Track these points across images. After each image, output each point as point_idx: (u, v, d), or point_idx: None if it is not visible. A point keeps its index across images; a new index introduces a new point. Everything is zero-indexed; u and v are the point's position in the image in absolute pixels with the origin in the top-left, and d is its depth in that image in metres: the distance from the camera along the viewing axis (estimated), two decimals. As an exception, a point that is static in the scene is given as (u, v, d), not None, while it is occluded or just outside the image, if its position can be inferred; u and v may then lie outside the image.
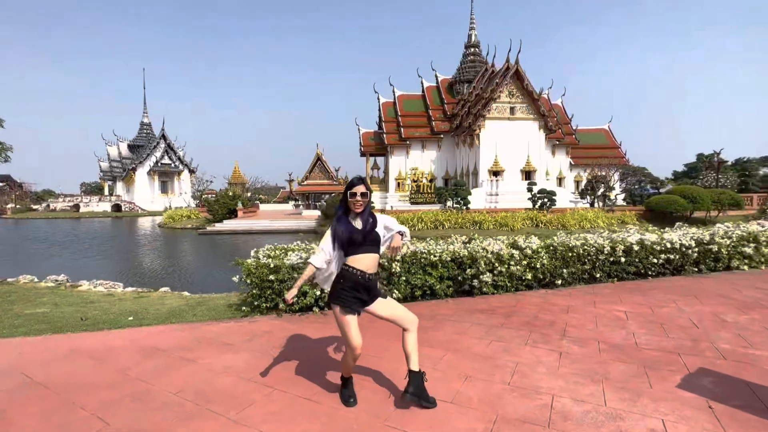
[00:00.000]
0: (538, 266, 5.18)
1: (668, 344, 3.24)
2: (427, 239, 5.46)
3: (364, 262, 2.31)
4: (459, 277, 4.98)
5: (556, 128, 36.36)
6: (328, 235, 2.38)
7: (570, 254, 5.44)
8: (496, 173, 33.41)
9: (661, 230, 6.66)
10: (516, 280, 5.18)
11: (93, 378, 2.83)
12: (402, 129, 38.21)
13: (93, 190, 74.89)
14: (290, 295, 2.31)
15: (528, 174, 34.02)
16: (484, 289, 5.00)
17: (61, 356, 3.26)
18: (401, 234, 2.46)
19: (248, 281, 4.35)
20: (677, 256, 5.91)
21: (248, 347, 3.38)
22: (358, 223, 2.36)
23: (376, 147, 40.66)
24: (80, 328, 4.00)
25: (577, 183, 40.68)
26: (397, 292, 4.67)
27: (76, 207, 54.64)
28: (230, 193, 30.74)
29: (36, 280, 6.96)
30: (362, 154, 41.52)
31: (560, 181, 40.62)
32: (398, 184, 38.53)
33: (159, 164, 57.40)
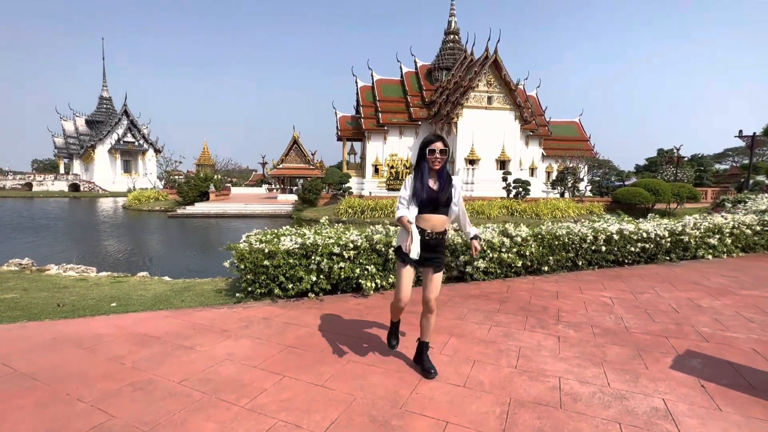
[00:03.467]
0: (527, 254, 5.33)
1: (655, 328, 3.43)
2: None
3: (432, 223, 2.38)
4: (452, 264, 5.05)
5: (531, 119, 37.21)
6: (407, 190, 2.39)
7: (556, 242, 5.62)
8: (472, 162, 33.91)
9: (635, 221, 7.02)
10: (506, 267, 5.31)
11: (85, 368, 2.66)
12: (380, 114, 37.82)
13: (47, 167, 69.86)
14: (414, 244, 2.24)
15: (503, 163, 34.77)
16: (476, 275, 5.11)
17: (44, 345, 3.04)
18: (477, 238, 2.54)
19: (241, 266, 4.21)
20: (652, 246, 6.26)
21: (247, 334, 3.28)
22: (433, 184, 2.38)
23: (353, 132, 40.10)
24: (59, 315, 3.74)
25: (548, 173, 42.01)
26: (392, 277, 4.67)
27: (29, 186, 50.80)
28: (201, 175, 29.51)
29: (-4, 263, 6.44)
30: (339, 139, 40.85)
31: (533, 171, 41.83)
32: (375, 169, 38.33)
33: (121, 142, 54.12)
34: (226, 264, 4.41)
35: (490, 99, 34.34)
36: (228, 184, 43.55)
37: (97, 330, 3.35)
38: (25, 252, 9.36)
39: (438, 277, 2.47)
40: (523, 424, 2.05)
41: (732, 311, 3.89)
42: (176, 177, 37.37)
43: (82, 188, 50.90)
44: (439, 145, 2.35)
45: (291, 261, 4.23)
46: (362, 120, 38.25)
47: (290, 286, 4.22)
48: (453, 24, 43.19)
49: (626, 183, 33.53)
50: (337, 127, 40.87)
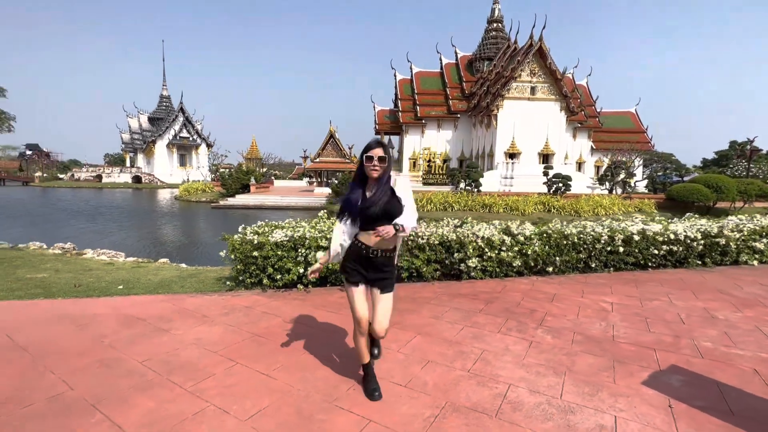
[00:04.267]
0: (529, 253, 5.06)
1: (646, 339, 3.13)
2: (421, 222, 5.40)
3: (374, 239, 2.06)
4: (446, 261, 4.92)
5: (579, 110, 34.99)
6: (341, 202, 2.21)
7: (564, 242, 5.28)
8: (512, 156, 32.60)
9: (668, 220, 6.41)
10: (506, 266, 5.08)
11: (70, 344, 2.94)
12: (418, 107, 37.45)
13: (116, 161, 76.98)
14: (315, 268, 2.35)
15: (546, 157, 33.11)
16: (473, 273, 4.94)
17: (46, 321, 3.40)
18: (396, 227, 1.98)
19: (233, 256, 4.40)
20: (681, 248, 5.68)
21: (224, 321, 3.44)
22: (370, 195, 2.10)
23: (391, 125, 40.11)
24: (71, 294, 4.16)
25: (598, 168, 39.43)
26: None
27: (99, 177, 56.36)
28: (244, 168, 31.04)
29: (44, 246, 7.26)
30: (377, 133, 41.04)
31: (580, 165, 39.44)
32: (412, 163, 38.13)
33: (177, 137, 58.23)
34: (222, 254, 4.63)
35: (533, 89, 32.70)
36: (272, 177, 45.48)
37: (95, 310, 3.68)
38: (77, 236, 10.45)
39: (388, 300, 2.19)
40: (447, 430, 1.98)
41: (751, 325, 3.44)
42: (223, 170, 39.62)
43: (143, 180, 55.58)
44: (378, 152, 2.06)
45: (279, 253, 4.35)
46: (400, 113, 38.10)
47: (278, 276, 4.35)
48: (497, 11, 41.50)
49: (685, 179, 30.58)
50: (375, 120, 41.10)
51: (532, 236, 5.18)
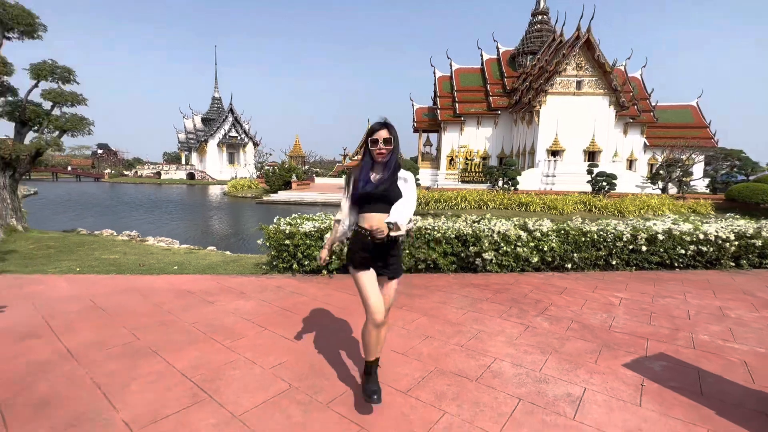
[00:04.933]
0: (545, 249, 5.20)
1: (643, 330, 3.26)
2: (442, 217, 5.71)
3: (374, 222, 2.00)
4: (462, 254, 5.19)
5: (630, 104, 33.00)
6: (347, 186, 2.16)
7: (583, 239, 5.35)
8: (554, 153, 31.46)
9: (704, 221, 6.22)
10: (522, 261, 5.26)
11: (136, 308, 3.62)
12: (457, 104, 37.12)
13: (172, 159, 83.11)
14: (322, 254, 2.25)
15: (592, 155, 31.62)
16: (488, 267, 5.18)
17: (118, 290, 4.14)
18: (390, 226, 1.89)
19: (267, 244, 4.99)
20: (711, 249, 5.52)
21: (258, 297, 4.00)
22: (375, 177, 2.07)
23: (430, 123, 40.07)
24: (137, 272, 4.94)
25: (651, 166, 37.00)
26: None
27: (158, 174, 61.36)
28: (286, 166, 32.54)
29: (114, 233, 8.38)
30: (415, 130, 41.23)
31: (631, 163, 37.25)
32: (450, 161, 37.90)
33: (227, 137, 61.94)
34: (259, 242, 5.23)
35: (579, 84, 31.31)
36: (313, 174, 47.16)
37: (156, 284, 4.39)
38: (140, 225, 11.79)
39: (393, 286, 2.16)
40: (431, 386, 2.33)
41: (762, 324, 3.44)
42: (268, 168, 41.73)
43: (196, 177, 59.79)
44: (383, 134, 2.01)
45: (308, 242, 4.87)
46: (438, 111, 37.96)
47: (306, 262, 4.87)
48: (542, 3, 40.02)
49: (751, 178, 27.93)
50: (413, 118, 41.25)
51: (549, 232, 5.31)
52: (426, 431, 1.93)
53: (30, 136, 7.13)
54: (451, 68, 39.49)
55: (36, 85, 6.84)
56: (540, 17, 39.54)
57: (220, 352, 2.74)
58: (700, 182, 33.46)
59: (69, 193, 31.61)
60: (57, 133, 7.13)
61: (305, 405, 2.13)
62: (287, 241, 4.87)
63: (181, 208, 21.67)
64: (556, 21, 37.42)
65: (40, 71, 6.63)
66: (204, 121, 67.35)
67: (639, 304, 3.94)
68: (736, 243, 5.54)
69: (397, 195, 2.03)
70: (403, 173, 2.10)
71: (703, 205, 19.97)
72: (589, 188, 23.24)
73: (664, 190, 26.52)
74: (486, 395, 2.25)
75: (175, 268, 5.20)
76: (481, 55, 39.83)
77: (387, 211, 2.00)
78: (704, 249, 5.50)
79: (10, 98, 6.80)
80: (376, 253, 2.07)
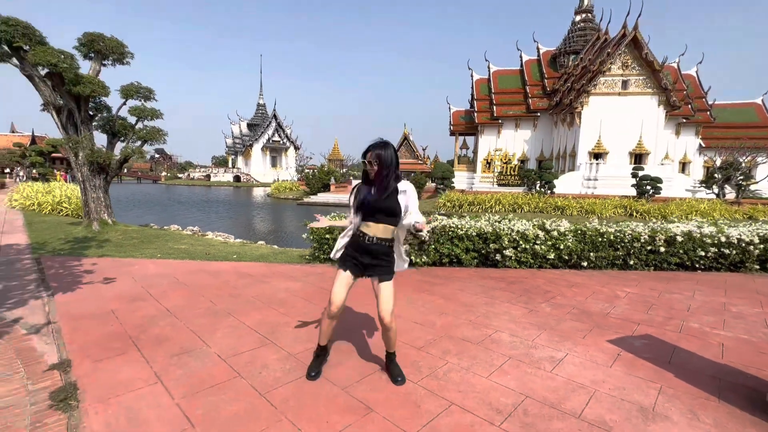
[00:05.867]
0: (562, 247, 5.59)
1: (638, 317, 3.66)
2: (466, 216, 6.25)
3: (373, 230, 2.28)
4: (483, 251, 5.71)
5: (683, 103, 31.23)
6: (352, 196, 2.39)
7: (600, 239, 5.68)
8: (597, 156, 30.48)
9: (733, 224, 6.28)
10: (540, 258, 5.69)
11: (209, 283, 4.53)
12: (494, 107, 36.90)
13: (221, 162, 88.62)
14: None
15: (638, 157, 30.30)
16: (508, 263, 5.66)
17: (193, 271, 5.10)
18: (416, 228, 2.20)
19: (311, 238, 5.80)
20: (734, 252, 5.64)
21: (304, 279, 4.79)
22: (372, 192, 2.27)
23: (467, 126, 40.07)
24: (204, 259, 5.94)
25: (707, 169, 34.60)
26: (426, 257, 5.64)
27: (208, 177, 65.83)
28: (325, 170, 33.99)
29: (180, 228, 9.67)
30: (452, 134, 41.37)
31: (684, 166, 35.16)
32: (486, 164, 37.69)
33: (270, 141, 65.21)
34: (304, 236, 6.06)
35: (625, 84, 30.17)
36: (350, 177, 48.63)
37: (221, 268, 5.33)
38: (197, 221, 13.24)
39: (387, 287, 2.31)
40: (440, 346, 2.95)
41: (760, 318, 3.71)
42: (308, 171, 43.69)
43: (242, 179, 63.51)
44: (369, 156, 2.25)
45: (345, 235, 5.62)
46: (476, 114, 37.92)
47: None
48: (585, 1, 38.77)
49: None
50: (450, 122, 41.42)
51: (566, 232, 5.69)
52: (431, 373, 2.55)
53: (118, 146, 8.55)
54: (489, 71, 39.29)
55: (124, 103, 8.24)
56: (584, 15, 38.40)
57: (277, 316, 3.52)
58: (765, 185, 30.92)
59: (134, 194, 35.08)
60: (140, 143, 8.49)
61: (336, 351, 2.83)
62: (327, 235, 5.65)
63: (230, 208, 23.54)
64: (601, 19, 36.24)
65: (128, 92, 8.01)
66: (249, 126, 71.30)
67: (643, 298, 4.29)
68: (761, 246, 5.61)
69: (394, 206, 2.24)
70: (402, 185, 2.30)
71: (762, 210, 18.71)
72: (633, 192, 22.44)
73: (719, 194, 24.92)
74: (483, 353, 2.83)
75: (235, 256, 6.16)
76: (521, 57, 39.28)
77: (390, 223, 2.27)
78: (726, 251, 5.63)
79: (105, 114, 8.24)
80: (367, 253, 2.30)
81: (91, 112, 7.91)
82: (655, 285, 4.87)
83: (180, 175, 74.15)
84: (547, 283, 4.86)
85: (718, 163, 27.24)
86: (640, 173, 22.58)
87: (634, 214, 17.95)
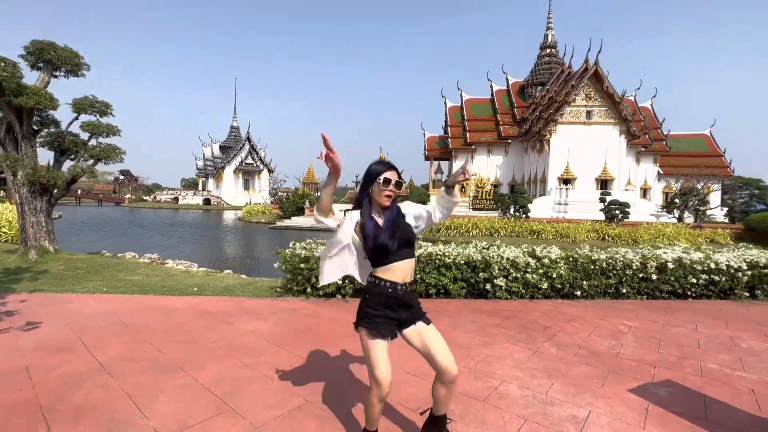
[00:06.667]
0: (554, 276, 5.27)
1: (651, 357, 3.30)
2: (452, 243, 5.86)
3: (403, 272, 1.79)
4: (472, 280, 5.30)
5: (641, 133, 33.23)
6: (350, 234, 1.77)
7: (592, 267, 5.42)
8: (566, 181, 31.55)
9: (716, 250, 6.22)
10: (532, 287, 5.34)
11: (160, 325, 3.82)
12: (468, 133, 37.87)
13: (190, 185, 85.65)
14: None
15: (604, 183, 31.61)
16: (498, 293, 5.26)
17: (142, 309, 4.36)
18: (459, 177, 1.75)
19: (284, 267, 5.20)
20: (724, 278, 5.51)
21: (273, 318, 4.17)
22: (380, 222, 1.78)
23: (441, 151, 40.81)
24: (159, 293, 5.18)
25: (666, 195, 36.68)
26: (411, 288, 5.16)
27: (176, 199, 63.15)
28: (299, 193, 33.26)
29: (137, 256, 8.73)
30: (426, 158, 41.98)
31: (644, 191, 37.02)
32: (461, 188, 38.19)
33: (243, 164, 63.83)
34: (276, 265, 5.45)
35: (588, 113, 31.78)
36: (324, 201, 47.75)
37: (177, 305, 4.61)
38: (159, 248, 12.18)
39: (435, 331, 1.92)
40: (440, 406, 2.43)
41: (774, 354, 3.44)
42: (282, 194, 42.72)
43: (212, 202, 61.31)
44: (394, 175, 1.77)
45: (322, 265, 5.06)
46: (450, 140, 38.74)
47: (320, 286, 5.04)
48: (549, 37, 41.38)
49: (770, 207, 27.32)
50: (424, 147, 42.10)
51: (558, 260, 5.40)
52: (434, 446, 2.02)
53: (67, 164, 7.68)
54: (461, 99, 40.56)
55: (76, 118, 7.47)
56: (548, 50, 40.77)
57: (240, 368, 2.90)
58: (718, 211, 32.90)
59: (91, 217, 32.78)
60: (92, 161, 7.67)
61: (320, 419, 2.26)
62: (302, 265, 5.08)
63: (197, 232, 22.24)
64: (564, 54, 38.48)
65: (81, 105, 7.27)
66: (222, 148, 69.76)
67: (648, 332, 3.97)
68: (749, 273, 5.52)
69: (411, 233, 1.83)
70: (403, 208, 1.89)
71: (722, 234, 19.61)
72: (602, 216, 23.08)
73: (680, 219, 26.12)
74: (492, 415, 2.34)
75: (195, 289, 5.43)
76: (491, 87, 40.93)
77: (412, 255, 1.83)
78: (716, 278, 5.49)
79: (52, 129, 7.42)
80: (401, 306, 1.80)
81: (35, 127, 7.10)
82: (653, 316, 4.59)
83: (146, 198, 70.79)
84: (544, 316, 4.47)
85: (677, 189, 28.76)
86: (609, 198, 23.37)
87: (606, 238, 18.31)
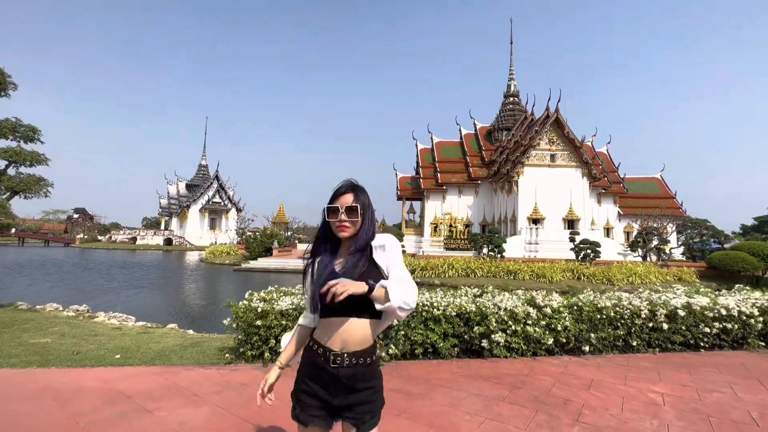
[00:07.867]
0: (559, 328, 4.55)
1: (713, 446, 2.55)
2: (437, 289, 5.06)
3: (342, 335, 1.32)
4: (466, 336, 4.47)
5: (601, 176, 34.91)
6: (306, 277, 1.45)
7: (598, 316, 4.75)
8: (535, 221, 32.13)
9: (717, 292, 5.77)
10: (533, 342, 4.56)
11: (47, 420, 2.68)
12: (439, 174, 38.44)
13: (152, 224, 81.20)
14: (261, 389, 1.45)
15: (571, 223, 32.42)
16: (495, 351, 4.43)
17: (29, 394, 3.17)
18: (370, 285, 1.27)
19: (235, 325, 4.17)
20: (736, 326, 4.99)
21: (214, 401, 3.10)
22: (340, 263, 1.38)
23: (413, 191, 41.01)
24: (66, 364, 3.96)
25: (627, 234, 38.18)
26: (394, 347, 4.25)
27: (134, 239, 59.13)
28: (268, 232, 31.79)
29: (60, 308, 7.27)
30: (399, 198, 41.96)
31: (608, 231, 38.32)
32: (433, 228, 38.08)
33: (210, 202, 61.46)
34: (225, 322, 4.40)
35: (552, 157, 33.21)
36: (295, 241, 46.30)
37: (84, 382, 3.44)
38: (98, 296, 10.54)
39: None
40: None
41: None
42: (249, 234, 40.84)
43: (174, 242, 57.79)
44: (345, 200, 1.37)
45: (284, 322, 4.08)
46: (421, 180, 39.12)
47: (281, 350, 4.02)
48: (512, 87, 44.10)
49: (726, 246, 28.77)
50: (397, 187, 42.24)
51: (561, 308, 4.70)
52: None
53: (-24, 198, 6.39)
54: (432, 141, 41.63)
55: (-7, 144, 6.31)
56: (511, 98, 43.27)
57: (140, 508, 1.86)
58: (676, 250, 34.37)
59: (30, 259, 29.46)
60: (8, 194, 6.42)
61: None
62: (259, 322, 4.07)
63: (148, 276, 20.16)
64: (527, 102, 40.85)
65: (0, 129, 6.14)
66: (188, 187, 67.29)
67: (687, 403, 3.24)
68: (761, 319, 5.05)
69: (370, 271, 1.34)
70: (378, 240, 1.40)
71: (688, 272, 20.02)
72: (572, 255, 23.22)
73: (644, 257, 26.82)
74: None
75: (117, 356, 4.23)
76: (460, 130, 42.45)
77: (364, 315, 1.32)
78: (729, 326, 4.96)
79: (-41, 156, 6.21)
80: (334, 385, 1.31)
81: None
82: (680, 377, 3.90)
83: (100, 238, 65.91)
84: (557, 383, 3.66)
85: (638, 229, 29.87)
86: (578, 238, 23.67)
87: (582, 277, 18.17)
